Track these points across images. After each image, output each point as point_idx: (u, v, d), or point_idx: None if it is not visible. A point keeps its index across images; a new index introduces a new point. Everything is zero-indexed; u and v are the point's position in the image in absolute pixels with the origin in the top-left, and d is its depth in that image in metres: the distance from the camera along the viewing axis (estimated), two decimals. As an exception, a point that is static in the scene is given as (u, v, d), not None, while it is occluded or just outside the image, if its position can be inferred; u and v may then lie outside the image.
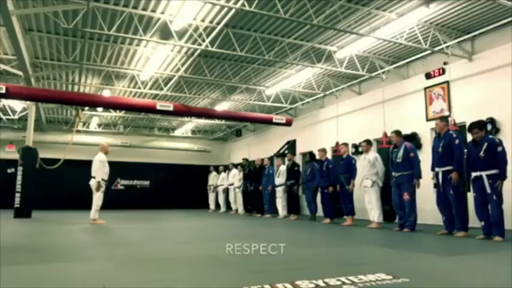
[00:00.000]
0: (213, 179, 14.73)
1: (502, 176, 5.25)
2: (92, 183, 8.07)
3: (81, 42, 8.55)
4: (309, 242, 5.51)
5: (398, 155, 6.83)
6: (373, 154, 7.67)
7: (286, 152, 13.68)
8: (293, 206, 10.36)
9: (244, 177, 12.48)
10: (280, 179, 10.61)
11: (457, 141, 5.88)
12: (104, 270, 3.12)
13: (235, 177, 13.05)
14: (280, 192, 10.55)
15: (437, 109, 8.58)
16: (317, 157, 9.70)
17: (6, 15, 5.96)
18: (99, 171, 7.99)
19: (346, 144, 8.62)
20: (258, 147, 16.22)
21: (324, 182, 8.90)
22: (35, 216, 9.38)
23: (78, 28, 7.29)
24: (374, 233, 6.51)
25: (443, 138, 6.05)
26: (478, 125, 5.59)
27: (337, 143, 10.38)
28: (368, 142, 7.88)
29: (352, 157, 8.54)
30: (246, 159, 13.58)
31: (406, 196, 6.61)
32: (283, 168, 10.77)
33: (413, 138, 8.74)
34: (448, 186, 5.85)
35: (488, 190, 5.28)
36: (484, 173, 5.35)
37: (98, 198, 7.98)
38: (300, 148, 13.39)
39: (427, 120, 8.77)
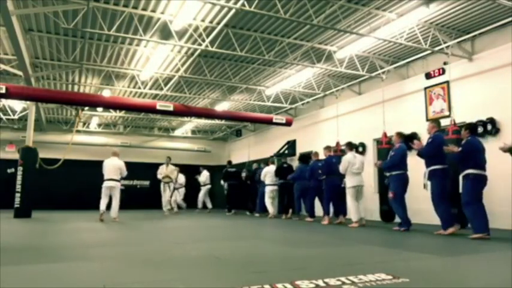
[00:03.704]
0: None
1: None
2: (116, 185, 8.68)
3: (81, 42, 8.55)
4: (309, 242, 5.51)
5: (390, 155, 7.13)
6: (349, 155, 8.03)
7: (286, 152, 13.71)
8: (286, 206, 10.60)
9: (224, 178, 13.20)
10: (269, 179, 10.99)
11: (429, 141, 6.25)
12: (104, 270, 3.12)
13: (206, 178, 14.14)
14: (268, 192, 10.97)
15: (437, 109, 8.58)
16: (321, 156, 9.79)
17: (6, 15, 5.96)
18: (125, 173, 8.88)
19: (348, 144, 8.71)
20: (258, 147, 16.23)
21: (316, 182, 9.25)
22: (35, 216, 9.38)
23: (78, 28, 7.29)
24: (374, 233, 6.51)
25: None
26: (466, 126, 5.98)
27: (337, 143, 10.40)
28: (347, 145, 8.34)
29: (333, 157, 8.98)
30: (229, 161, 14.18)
31: (390, 195, 6.85)
32: (271, 168, 11.13)
33: (414, 138, 8.73)
34: (430, 186, 6.12)
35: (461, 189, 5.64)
36: (462, 174, 5.69)
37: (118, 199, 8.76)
38: (300, 148, 13.39)
39: (427, 120, 8.75)
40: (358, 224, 7.59)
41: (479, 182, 5.53)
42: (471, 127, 5.95)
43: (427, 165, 6.21)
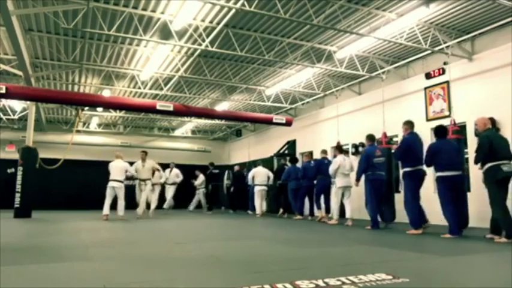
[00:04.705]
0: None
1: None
2: (120, 186, 9.02)
3: (81, 42, 8.56)
4: (309, 241, 5.51)
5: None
6: (339, 157, 8.42)
7: (286, 152, 13.72)
8: (284, 205, 11.05)
9: (208, 179, 13.40)
10: (258, 179, 11.50)
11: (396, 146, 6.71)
12: (104, 270, 3.12)
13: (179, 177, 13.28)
14: (257, 192, 11.46)
15: (437, 109, 8.58)
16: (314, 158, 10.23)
17: (6, 15, 5.96)
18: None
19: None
20: (258, 147, 16.22)
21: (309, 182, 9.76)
22: (35, 216, 9.38)
23: (78, 28, 7.30)
24: (374, 233, 6.51)
25: None
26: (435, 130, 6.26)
27: (338, 143, 10.40)
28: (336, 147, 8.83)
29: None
30: (212, 163, 14.17)
31: None
32: (259, 169, 11.75)
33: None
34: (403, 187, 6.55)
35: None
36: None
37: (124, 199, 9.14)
38: (300, 148, 13.40)
39: (427, 120, 8.77)
40: (337, 221, 8.12)
41: (446, 183, 5.75)
42: (435, 131, 6.17)
43: (401, 167, 6.57)
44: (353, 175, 8.32)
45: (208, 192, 13.47)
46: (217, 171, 13.69)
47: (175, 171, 13.19)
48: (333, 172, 8.26)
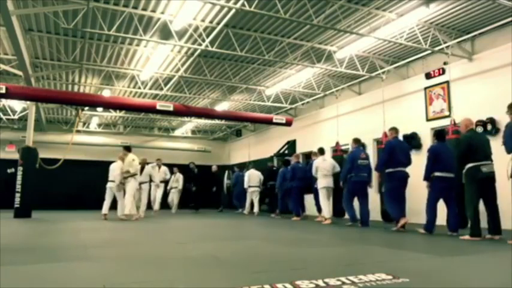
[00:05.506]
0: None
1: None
2: (114, 186, 8.99)
3: (81, 42, 8.56)
4: (308, 241, 5.51)
5: None
6: (318, 159, 8.96)
7: (286, 152, 13.74)
8: (275, 205, 11.34)
9: (189, 179, 13.54)
10: (252, 181, 11.93)
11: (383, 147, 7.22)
12: (104, 270, 3.12)
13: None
14: (250, 193, 11.97)
15: (437, 109, 8.58)
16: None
17: (6, 15, 5.96)
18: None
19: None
20: (258, 147, 16.23)
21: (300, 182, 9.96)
22: (35, 216, 9.38)
23: (78, 28, 7.30)
24: (374, 233, 6.52)
25: None
26: (434, 132, 6.62)
27: (337, 143, 10.41)
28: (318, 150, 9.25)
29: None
30: (193, 163, 14.36)
31: None
32: (252, 172, 12.15)
33: (413, 138, 8.76)
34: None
35: None
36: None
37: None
38: (300, 148, 13.39)
39: (427, 120, 8.77)
40: (330, 221, 8.38)
41: (441, 183, 5.98)
42: (437, 134, 6.39)
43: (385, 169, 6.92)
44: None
45: (193, 192, 13.74)
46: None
47: (163, 168, 12.27)
48: (314, 174, 8.80)
